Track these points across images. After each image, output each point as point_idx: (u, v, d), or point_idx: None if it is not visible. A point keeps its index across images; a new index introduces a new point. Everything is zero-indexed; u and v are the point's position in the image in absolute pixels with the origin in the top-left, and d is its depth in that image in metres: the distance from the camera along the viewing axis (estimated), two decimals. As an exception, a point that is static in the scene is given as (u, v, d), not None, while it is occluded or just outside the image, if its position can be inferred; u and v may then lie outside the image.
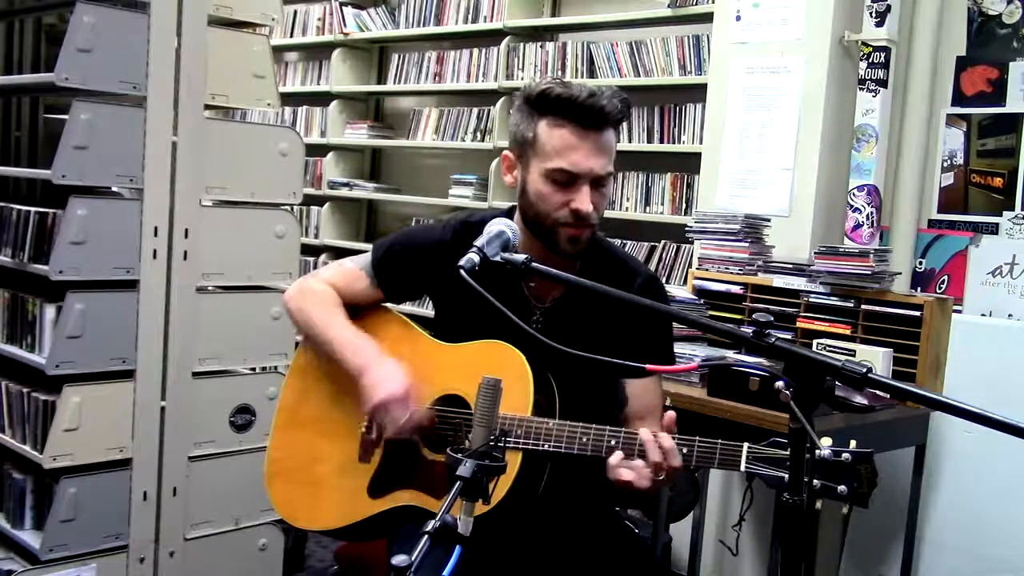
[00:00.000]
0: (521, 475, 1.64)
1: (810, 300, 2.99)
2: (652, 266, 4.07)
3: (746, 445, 1.52)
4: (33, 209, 2.62)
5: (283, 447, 1.94)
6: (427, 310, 2.99)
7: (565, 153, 1.70)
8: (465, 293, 1.46)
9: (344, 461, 1.85)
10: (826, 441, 1.38)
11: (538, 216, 1.76)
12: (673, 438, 1.58)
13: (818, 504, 1.39)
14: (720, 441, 1.55)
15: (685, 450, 1.57)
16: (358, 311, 1.94)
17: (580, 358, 1.41)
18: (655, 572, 2.01)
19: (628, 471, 1.58)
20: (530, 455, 1.65)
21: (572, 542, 1.84)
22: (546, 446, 1.64)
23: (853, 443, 1.39)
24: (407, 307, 4.17)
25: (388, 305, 1.99)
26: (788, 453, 1.33)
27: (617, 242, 1.92)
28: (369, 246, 1.99)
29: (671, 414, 1.61)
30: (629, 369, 1.78)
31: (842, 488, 1.36)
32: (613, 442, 1.61)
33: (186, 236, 2.67)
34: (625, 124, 4.15)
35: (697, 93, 3.87)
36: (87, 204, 2.49)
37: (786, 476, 1.39)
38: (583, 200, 1.71)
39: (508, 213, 1.85)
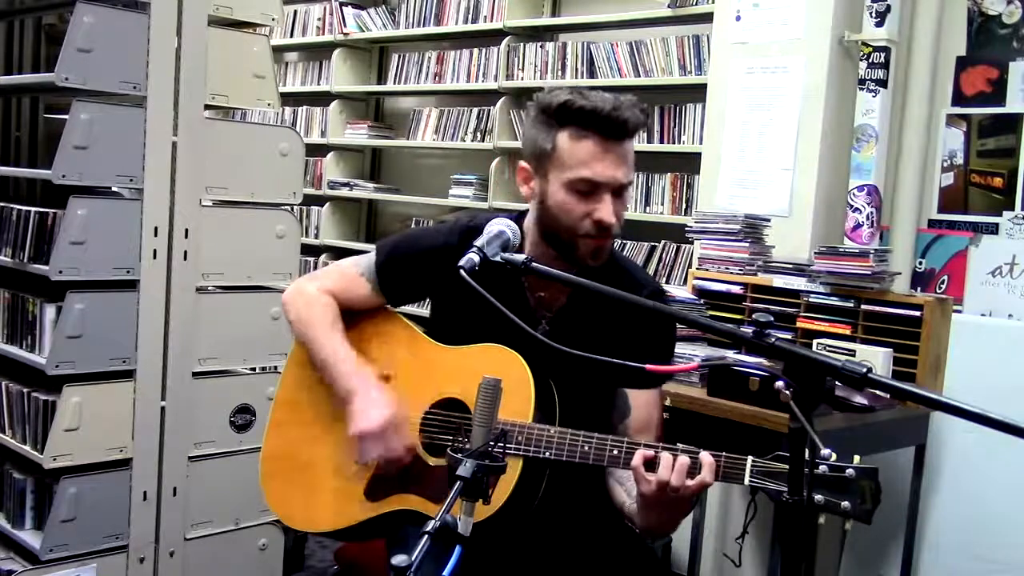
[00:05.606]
0: (519, 484, 1.63)
1: (810, 300, 2.98)
2: (652, 266, 4.07)
3: (750, 459, 1.50)
4: (33, 209, 2.62)
5: (279, 445, 1.92)
6: (424, 310, 2.95)
7: (589, 163, 1.69)
8: (468, 297, 1.46)
9: (341, 463, 1.83)
10: (830, 455, 1.37)
11: (559, 228, 1.74)
12: (679, 450, 1.54)
13: (821, 519, 1.38)
14: (724, 454, 1.52)
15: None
16: (359, 312, 1.92)
17: (582, 362, 1.41)
18: (657, 572, 2.00)
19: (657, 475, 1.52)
20: (528, 464, 1.64)
21: (573, 542, 1.83)
22: (547, 454, 1.62)
23: (857, 458, 1.37)
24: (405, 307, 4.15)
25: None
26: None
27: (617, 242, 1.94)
28: (369, 246, 1.98)
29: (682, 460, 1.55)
30: (630, 372, 1.78)
31: (846, 504, 1.35)
32: (616, 451, 1.59)
33: (186, 236, 2.67)
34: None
35: (697, 93, 3.87)
36: (87, 204, 2.49)
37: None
38: (606, 210, 1.70)
39: (516, 219, 1.81)
